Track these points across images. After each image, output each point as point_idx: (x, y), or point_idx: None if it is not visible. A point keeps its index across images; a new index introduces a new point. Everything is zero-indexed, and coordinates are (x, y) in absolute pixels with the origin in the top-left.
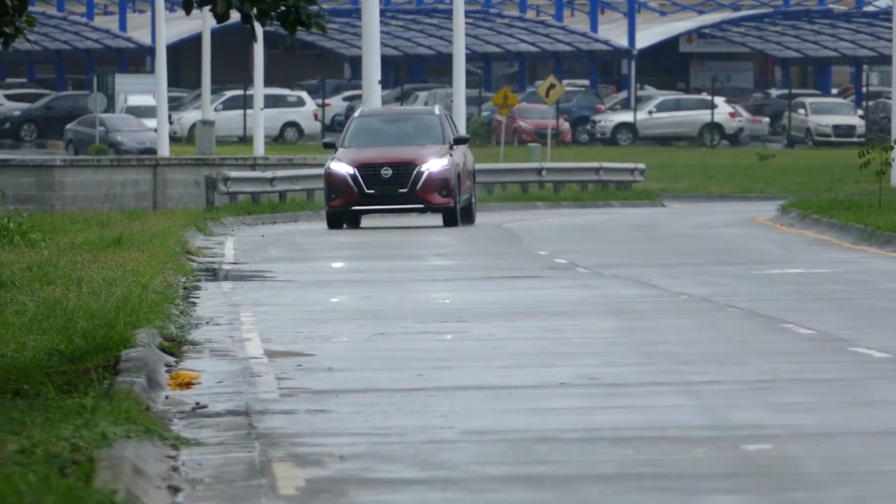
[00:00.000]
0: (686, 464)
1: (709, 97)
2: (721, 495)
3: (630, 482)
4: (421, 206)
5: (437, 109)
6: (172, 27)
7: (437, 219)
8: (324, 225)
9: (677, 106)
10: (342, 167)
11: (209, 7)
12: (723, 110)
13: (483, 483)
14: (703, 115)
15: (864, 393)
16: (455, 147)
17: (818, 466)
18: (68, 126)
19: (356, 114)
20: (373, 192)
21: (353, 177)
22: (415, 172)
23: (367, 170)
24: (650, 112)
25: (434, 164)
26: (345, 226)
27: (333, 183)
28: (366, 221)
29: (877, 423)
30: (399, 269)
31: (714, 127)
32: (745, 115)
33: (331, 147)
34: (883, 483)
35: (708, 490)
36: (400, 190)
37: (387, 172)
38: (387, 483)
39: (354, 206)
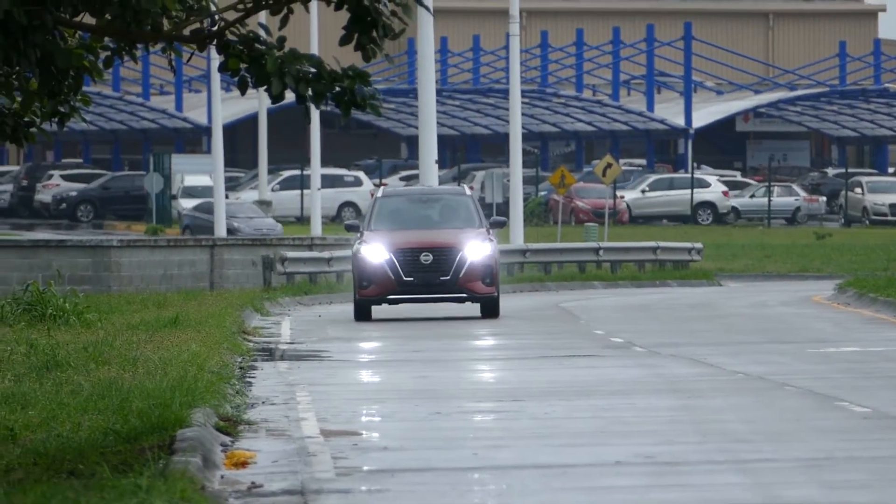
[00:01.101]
0: None
1: (702, 176)
2: None
3: None
4: (464, 295)
5: (466, 189)
6: (228, 107)
7: (473, 309)
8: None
9: (670, 185)
10: (376, 252)
11: (265, 88)
12: (716, 189)
13: None
14: (696, 194)
15: None
16: (491, 231)
17: None
18: (184, 212)
19: (380, 194)
20: (412, 279)
21: (390, 262)
22: (458, 259)
23: (405, 255)
24: (643, 191)
25: (476, 250)
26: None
27: (366, 269)
28: (390, 312)
29: None
30: (455, 349)
31: (707, 206)
32: (803, 193)
33: (354, 230)
34: None
35: None
36: (441, 278)
37: (427, 258)
38: None
39: (391, 295)
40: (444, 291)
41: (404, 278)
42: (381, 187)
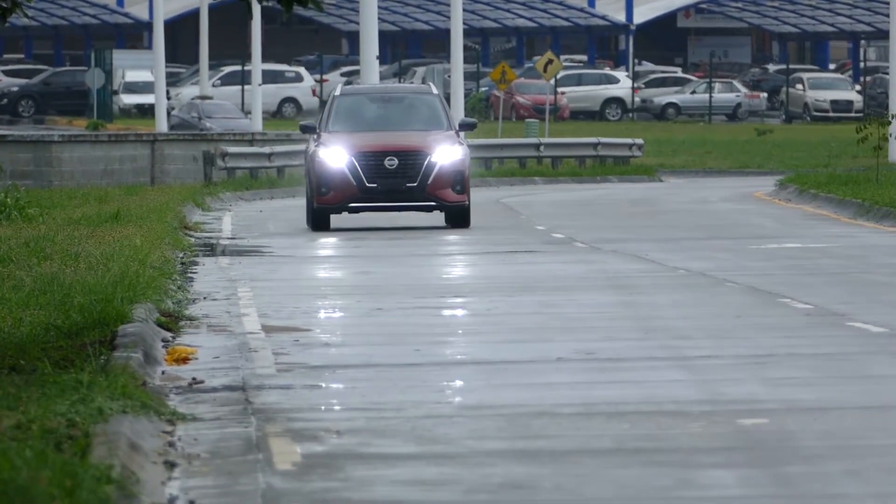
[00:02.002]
0: (682, 438)
1: (611, 72)
2: (717, 469)
3: (626, 457)
4: (432, 203)
5: (433, 88)
6: (170, 3)
7: (441, 218)
8: None
9: (578, 81)
10: (335, 155)
11: None
12: (624, 85)
13: (479, 458)
14: (605, 91)
15: (860, 368)
16: (461, 133)
17: (814, 441)
18: (173, 112)
19: (337, 91)
20: (375, 185)
21: (351, 167)
22: (426, 163)
23: (368, 159)
24: None
25: (446, 154)
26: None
27: (324, 174)
28: (349, 221)
29: (873, 398)
30: (396, 245)
31: (615, 101)
32: (744, 90)
33: (310, 131)
34: (878, 457)
35: (704, 464)
36: (408, 184)
37: (391, 163)
38: (383, 458)
39: (352, 203)
40: (410, 199)
41: (367, 184)
42: (340, 84)
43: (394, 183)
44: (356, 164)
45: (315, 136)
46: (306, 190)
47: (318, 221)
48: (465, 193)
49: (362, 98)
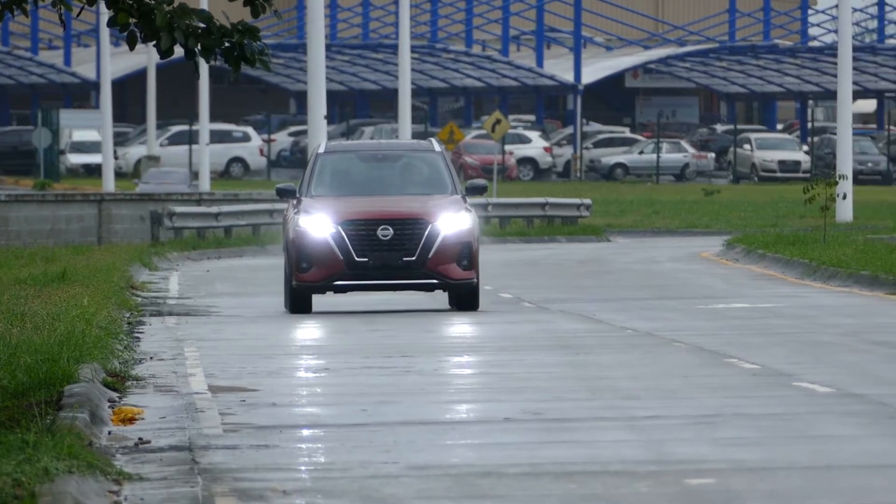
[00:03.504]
0: (629, 498)
1: (524, 132)
2: None
3: None
4: (434, 280)
5: (435, 144)
6: (117, 62)
7: (440, 299)
8: (269, 262)
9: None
10: (318, 223)
11: (153, 43)
12: (537, 144)
13: None
14: (517, 150)
15: (807, 428)
16: (468, 198)
17: (760, 501)
18: (140, 182)
19: (321, 149)
20: (366, 259)
21: (338, 238)
22: (427, 234)
23: (358, 228)
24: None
25: (450, 223)
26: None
27: (306, 246)
28: (335, 303)
29: (819, 458)
30: (342, 304)
31: (528, 161)
32: (692, 150)
33: (288, 195)
34: None
35: None
36: (405, 258)
37: (386, 233)
38: None
39: (339, 281)
40: (408, 277)
41: (356, 258)
42: (323, 141)
43: (388, 257)
44: (343, 234)
45: (294, 202)
46: (284, 265)
47: (298, 303)
48: (474, 269)
49: (350, 156)
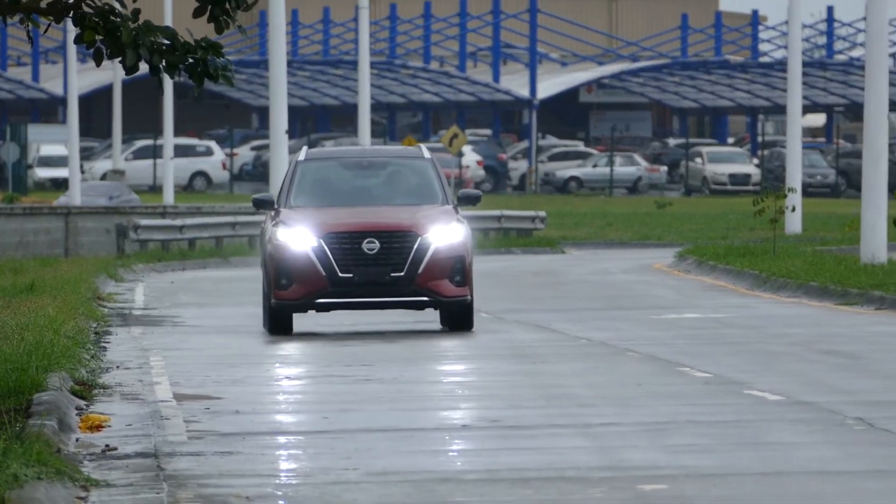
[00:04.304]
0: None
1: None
2: None
3: None
4: (424, 298)
5: (425, 151)
6: (84, 78)
7: (425, 317)
8: (232, 273)
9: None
10: (298, 237)
11: (119, 59)
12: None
13: None
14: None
15: (757, 435)
16: (460, 209)
17: None
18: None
19: (301, 156)
20: (350, 275)
21: (319, 252)
22: (415, 247)
23: (342, 241)
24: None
25: (442, 236)
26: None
27: (285, 261)
28: (318, 322)
29: (770, 465)
30: (303, 316)
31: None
32: (644, 163)
33: (266, 206)
34: None
35: None
36: (393, 273)
37: (371, 246)
38: None
39: (321, 299)
40: (396, 294)
41: (339, 274)
42: (304, 148)
43: (375, 272)
44: (326, 248)
45: (273, 213)
46: (262, 282)
47: (277, 323)
48: (467, 285)
49: (333, 164)
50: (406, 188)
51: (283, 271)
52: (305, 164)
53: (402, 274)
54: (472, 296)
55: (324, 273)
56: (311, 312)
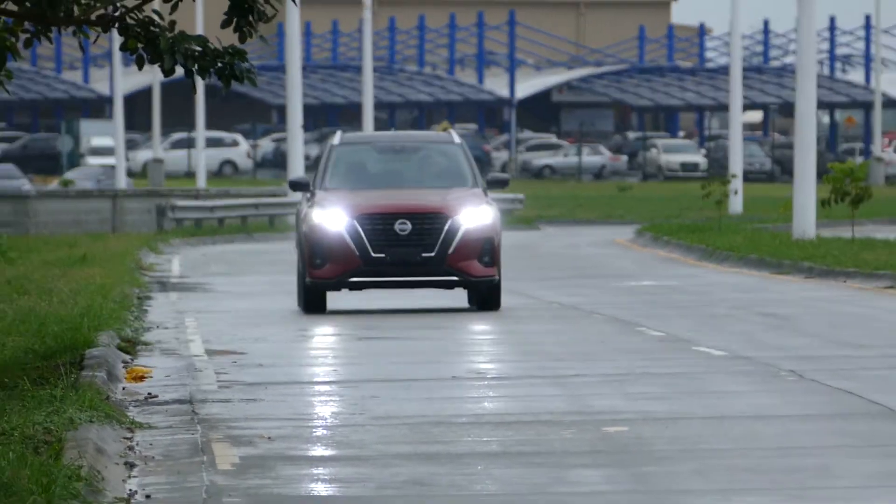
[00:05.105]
0: (556, 443)
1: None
2: (585, 469)
3: (510, 458)
4: (455, 277)
5: (454, 136)
6: (128, 80)
7: (454, 296)
8: (255, 247)
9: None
10: (332, 217)
11: (158, 64)
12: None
13: (387, 459)
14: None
15: (704, 385)
16: (489, 192)
17: (666, 445)
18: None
19: (335, 140)
20: (382, 255)
21: (353, 232)
22: (447, 228)
23: (374, 222)
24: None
25: (471, 217)
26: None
27: (320, 241)
28: (350, 300)
29: (714, 410)
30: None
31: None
32: (608, 153)
33: (302, 188)
34: (720, 459)
35: (574, 465)
36: (424, 254)
37: (403, 227)
38: (308, 460)
39: (354, 278)
40: (426, 273)
41: (372, 254)
42: (338, 132)
43: (406, 253)
44: (359, 228)
45: (308, 195)
46: (297, 262)
47: (311, 301)
48: (496, 266)
49: (367, 148)
50: (437, 171)
51: (318, 251)
52: (340, 147)
53: (433, 254)
54: (500, 276)
55: (357, 253)
56: (345, 291)
